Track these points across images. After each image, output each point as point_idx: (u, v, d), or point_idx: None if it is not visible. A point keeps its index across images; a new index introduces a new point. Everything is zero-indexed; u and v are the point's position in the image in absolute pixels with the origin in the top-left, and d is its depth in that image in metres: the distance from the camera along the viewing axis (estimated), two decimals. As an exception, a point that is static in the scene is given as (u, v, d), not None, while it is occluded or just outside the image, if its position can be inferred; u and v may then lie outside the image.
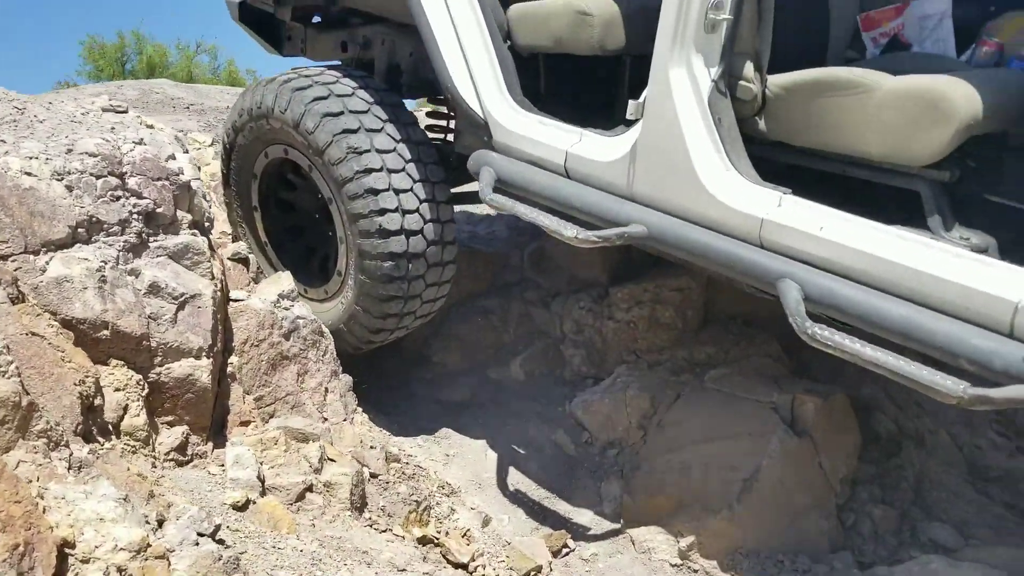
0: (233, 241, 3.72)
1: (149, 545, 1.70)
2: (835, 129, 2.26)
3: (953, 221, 2.18)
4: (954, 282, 1.97)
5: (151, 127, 3.03)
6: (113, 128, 2.83)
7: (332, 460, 2.77)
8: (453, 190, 3.40)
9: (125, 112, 3.06)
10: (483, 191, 2.83)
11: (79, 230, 2.47)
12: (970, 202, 2.32)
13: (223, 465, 2.55)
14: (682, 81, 2.37)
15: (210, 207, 3.25)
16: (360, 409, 3.26)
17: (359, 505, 2.71)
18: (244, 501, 2.36)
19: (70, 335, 2.22)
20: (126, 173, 2.67)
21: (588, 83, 3.23)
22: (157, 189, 2.73)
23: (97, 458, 1.99)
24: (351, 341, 3.46)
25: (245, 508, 2.36)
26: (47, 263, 2.34)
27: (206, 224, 3.08)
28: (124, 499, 1.78)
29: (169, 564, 1.73)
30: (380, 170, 3.13)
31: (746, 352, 3.52)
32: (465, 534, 2.85)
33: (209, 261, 2.82)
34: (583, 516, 3.06)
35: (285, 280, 3.23)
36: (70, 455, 1.88)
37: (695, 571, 2.74)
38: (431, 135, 3.52)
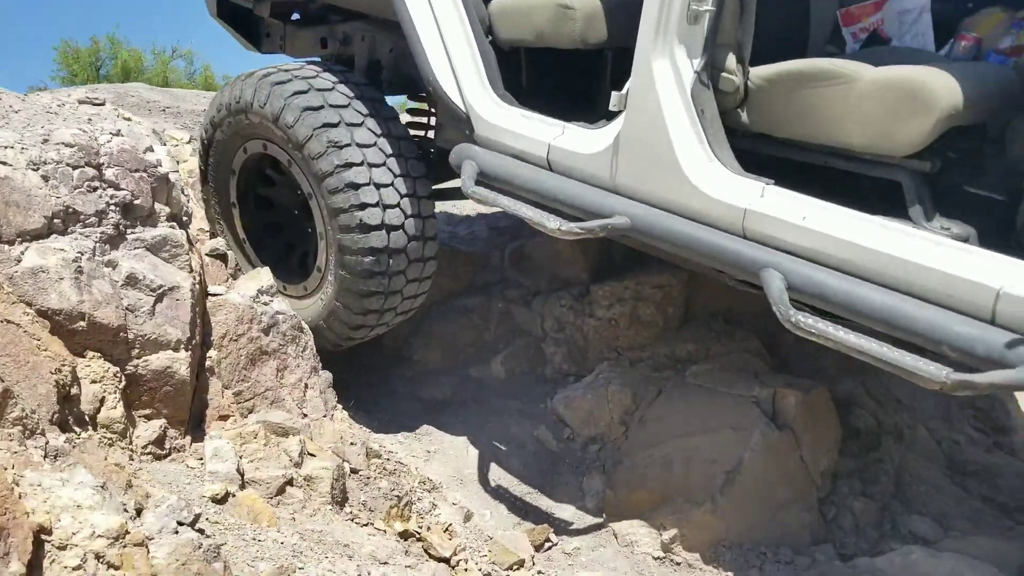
0: (211, 238, 3.68)
1: (127, 532, 1.66)
2: (817, 120, 2.28)
3: (934, 211, 2.20)
4: (936, 270, 1.98)
5: (128, 119, 3.00)
6: (90, 119, 2.79)
7: (312, 455, 2.74)
8: (434, 187, 3.39)
9: (102, 104, 3.03)
10: (465, 184, 2.82)
11: (55, 220, 2.43)
12: (950, 193, 2.34)
13: (202, 458, 2.51)
14: (665, 72, 2.38)
15: (188, 201, 3.22)
16: (340, 406, 3.23)
17: (340, 500, 2.68)
18: (224, 494, 2.33)
19: (46, 324, 2.18)
20: (103, 164, 2.63)
21: (569, 78, 3.23)
22: (135, 181, 2.70)
23: (74, 447, 1.95)
24: (331, 338, 3.43)
25: (224, 501, 2.33)
26: (22, 253, 2.30)
27: (184, 219, 3.04)
28: (102, 487, 1.74)
29: (148, 552, 1.69)
30: (361, 164, 3.11)
31: (727, 349, 3.53)
32: (447, 529, 2.83)
33: (188, 254, 2.79)
34: (565, 511, 3.04)
35: (264, 276, 3.19)
36: (46, 443, 1.84)
37: (677, 564, 2.74)
38: (412, 132, 3.50)
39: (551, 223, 2.55)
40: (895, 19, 2.61)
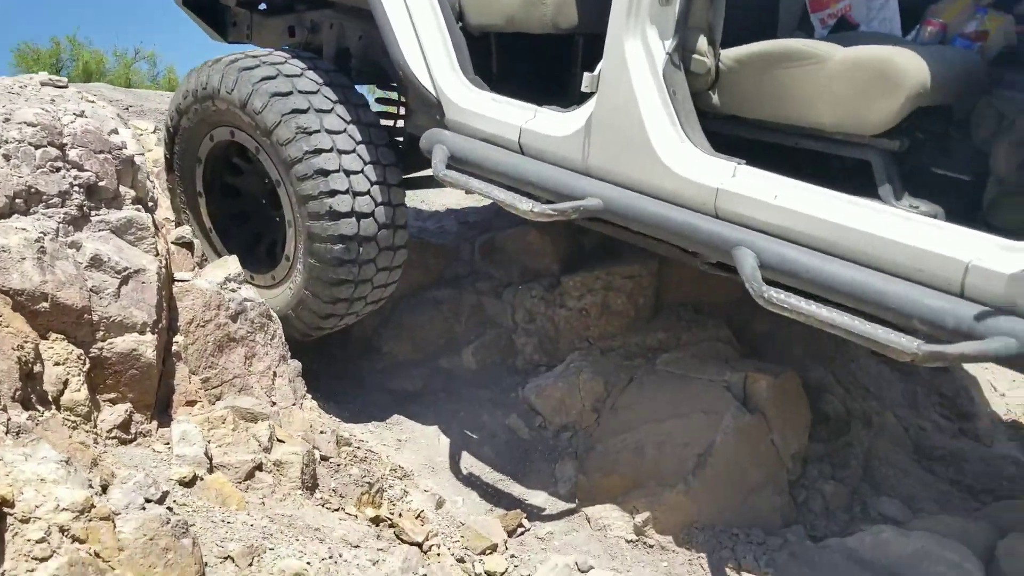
0: (176, 227, 3.63)
1: (93, 506, 1.63)
2: (788, 100, 2.30)
3: (903, 190, 2.22)
4: (906, 245, 2.01)
5: (92, 102, 2.94)
6: (53, 100, 2.73)
7: (281, 441, 2.71)
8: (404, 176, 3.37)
9: (65, 87, 2.97)
10: (436, 167, 2.80)
11: (16, 200, 2.38)
12: (918, 174, 2.37)
13: (168, 443, 2.47)
14: (637, 53, 2.38)
15: (154, 188, 3.17)
16: (309, 396, 3.19)
17: (310, 485, 2.64)
18: (191, 477, 2.29)
19: (8, 301, 2.13)
20: (66, 144, 2.58)
21: (540, 65, 3.23)
22: (99, 162, 2.64)
23: (37, 424, 1.91)
24: (300, 328, 3.39)
25: (192, 484, 2.28)
26: (-18, 232, 2.25)
27: (150, 204, 2.99)
28: (66, 462, 1.70)
29: (114, 526, 1.66)
30: (330, 151, 3.08)
31: (697, 337, 3.54)
32: (419, 515, 2.81)
33: (153, 237, 2.74)
34: (538, 497, 3.03)
35: (232, 264, 3.15)
36: (8, 420, 1.80)
37: (650, 546, 2.74)
38: (382, 122, 3.48)
39: (523, 205, 2.54)
40: (863, 5, 2.64)
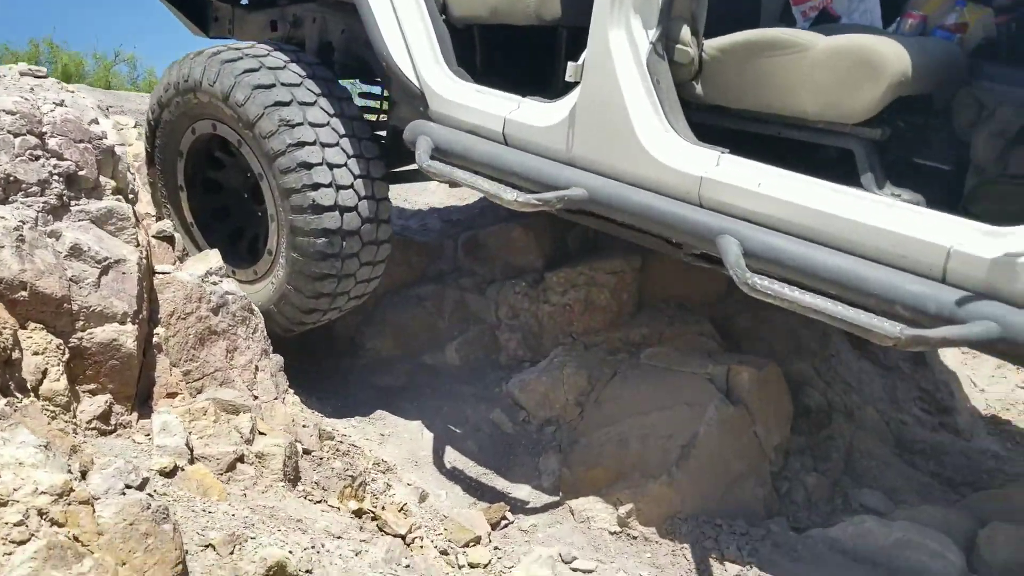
0: (157, 222, 3.60)
1: (72, 490, 1.60)
2: (771, 89, 2.31)
3: (885, 179, 2.24)
4: (888, 231, 2.02)
5: (71, 92, 2.91)
6: (32, 89, 2.70)
7: (263, 434, 2.69)
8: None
9: (44, 77, 2.94)
10: (420, 158, 2.79)
11: (-5, 188, 2.35)
12: (900, 164, 2.39)
13: (149, 435, 2.44)
14: (621, 43, 2.39)
15: (134, 180, 3.14)
16: (292, 391, 3.17)
17: (292, 477, 2.62)
18: (172, 467, 2.26)
19: (-15, 285, 2.10)
20: (46, 133, 2.55)
21: (523, 58, 3.23)
22: (79, 151, 2.62)
23: (15, 411, 1.88)
24: (282, 323, 3.37)
25: (173, 475, 2.26)
26: (-40, 220, 2.22)
27: (131, 196, 2.97)
28: (45, 446, 1.68)
29: (94, 510, 1.63)
30: (313, 144, 3.07)
31: (680, 332, 3.55)
32: (402, 508, 2.79)
33: (134, 228, 2.71)
34: (521, 490, 3.03)
35: (213, 257, 3.12)
36: (-14, 405, 1.77)
37: (634, 538, 2.73)
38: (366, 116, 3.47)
39: (507, 195, 2.54)
40: (844, -3, 2.67)
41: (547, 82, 3.00)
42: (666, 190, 2.35)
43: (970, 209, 2.24)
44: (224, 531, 2.03)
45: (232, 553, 2.00)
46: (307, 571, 2.09)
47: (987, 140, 2.28)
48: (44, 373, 2.26)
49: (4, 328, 2.02)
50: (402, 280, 4.12)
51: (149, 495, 1.82)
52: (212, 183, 3.58)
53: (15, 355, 2.05)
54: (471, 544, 2.69)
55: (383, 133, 3.50)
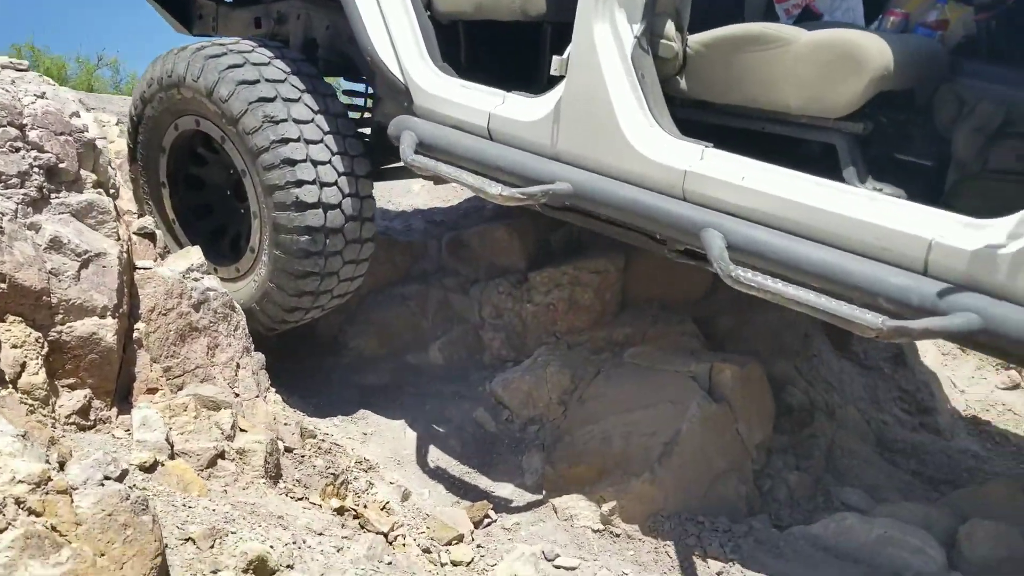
0: (139, 218, 3.57)
1: (50, 479, 1.58)
2: (754, 84, 2.32)
3: (867, 173, 2.25)
4: (870, 224, 2.03)
5: (53, 85, 2.89)
6: (13, 82, 2.68)
7: (244, 431, 2.67)
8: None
9: (26, 70, 2.91)
10: (405, 153, 2.79)
11: (-27, 179, 2.33)
12: (881, 160, 2.40)
13: (128, 430, 2.42)
14: (606, 37, 2.39)
15: (116, 175, 3.11)
16: (273, 389, 3.15)
17: (274, 475, 2.60)
18: (152, 462, 2.24)
19: (-38, 276, 2.07)
20: (26, 125, 2.53)
21: (507, 55, 3.23)
22: (60, 144, 2.59)
23: (-8, 401, 1.85)
24: (264, 321, 3.35)
25: (153, 470, 2.24)
26: (-62, 210, 2.19)
27: (112, 191, 2.94)
28: (23, 436, 1.66)
29: (72, 500, 1.61)
30: (297, 140, 3.05)
31: (663, 332, 3.55)
32: (384, 507, 2.77)
33: (115, 222, 2.69)
34: (504, 489, 3.01)
35: (195, 254, 3.10)
36: (-38, 394, 1.74)
37: (617, 535, 2.73)
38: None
39: (492, 189, 2.54)
40: (826, -5, 2.69)
41: (532, 78, 3.00)
42: (650, 184, 2.36)
43: (952, 204, 2.25)
44: (204, 525, 2.02)
45: (212, 547, 1.98)
46: (288, 566, 2.06)
47: (968, 136, 2.30)
48: (23, 366, 2.23)
49: (-19, 318, 1.99)
50: (386, 279, 4.10)
51: (129, 488, 1.80)
52: (195, 180, 3.55)
53: (-8, 346, 2.02)
54: (454, 542, 2.68)
55: (367, 131, 3.49)
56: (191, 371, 2.84)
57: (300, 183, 3.04)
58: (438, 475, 3.09)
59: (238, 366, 3.02)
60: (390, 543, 2.61)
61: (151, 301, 2.77)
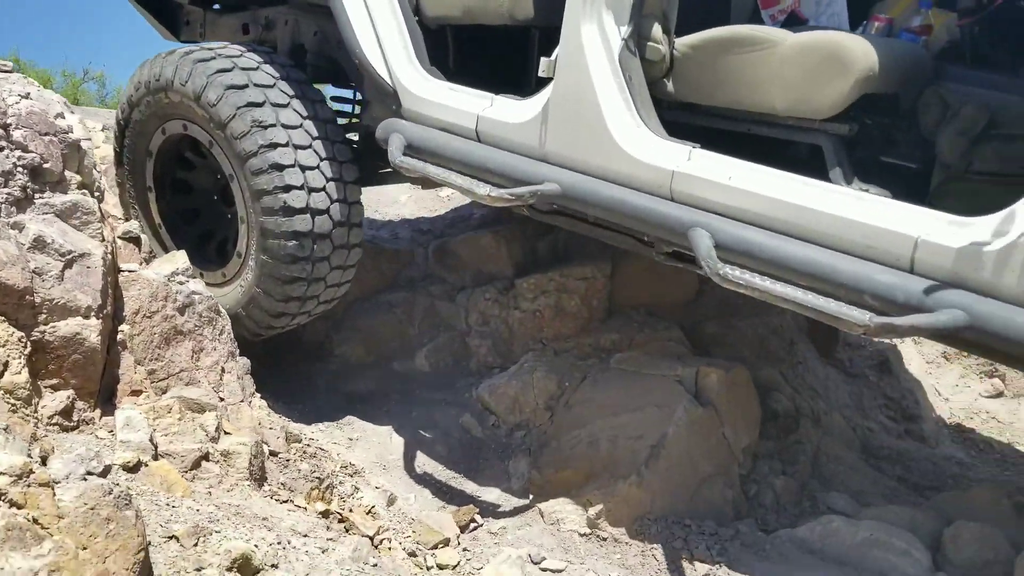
0: (124, 223, 3.55)
1: (32, 472, 1.56)
2: (741, 86, 2.34)
3: (853, 175, 2.27)
4: (857, 222, 2.05)
5: (38, 86, 2.87)
6: (-2, 82, 2.67)
7: (229, 433, 2.65)
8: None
9: (10, 71, 2.90)
10: (393, 154, 2.79)
11: (-43, 178, 2.31)
12: (867, 162, 2.42)
13: (112, 431, 2.39)
14: (593, 39, 2.41)
15: (101, 179, 3.10)
16: (259, 395, 3.13)
17: (258, 477, 2.58)
18: (135, 462, 2.22)
19: (-56, 272, 2.05)
20: (10, 125, 2.51)
21: (495, 61, 3.24)
22: (44, 144, 2.58)
23: (-26, 396, 1.83)
24: (250, 326, 3.33)
25: (136, 470, 2.22)
26: (-80, 209, 2.17)
27: (96, 194, 2.92)
28: (4, 429, 1.64)
29: (54, 494, 1.59)
30: (286, 145, 3.05)
31: (650, 338, 3.55)
32: (370, 511, 2.76)
33: (100, 223, 2.67)
34: (491, 493, 3.00)
35: (180, 258, 3.08)
36: (-57, 388, 1.72)
37: (603, 539, 2.71)
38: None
39: (481, 190, 2.54)
40: (811, 1, 2.71)
41: (519, 83, 3.01)
42: (638, 184, 2.37)
43: (936, 206, 2.26)
44: (188, 524, 2.00)
45: (196, 545, 1.96)
46: (273, 565, 2.04)
47: (952, 138, 2.32)
48: (5, 365, 2.21)
49: (-36, 313, 1.97)
50: (372, 287, 4.10)
51: (113, 484, 1.78)
52: (181, 184, 3.54)
53: (-25, 342, 2.00)
54: (440, 546, 2.66)
55: (355, 136, 3.49)
56: (176, 374, 2.82)
57: (288, 188, 3.03)
58: (424, 480, 3.07)
59: (223, 370, 3.00)
60: (375, 547, 2.59)
61: (135, 303, 2.75)
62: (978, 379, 4.14)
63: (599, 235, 2.73)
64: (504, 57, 3.20)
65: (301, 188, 3.06)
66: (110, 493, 1.69)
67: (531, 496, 2.95)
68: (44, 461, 1.75)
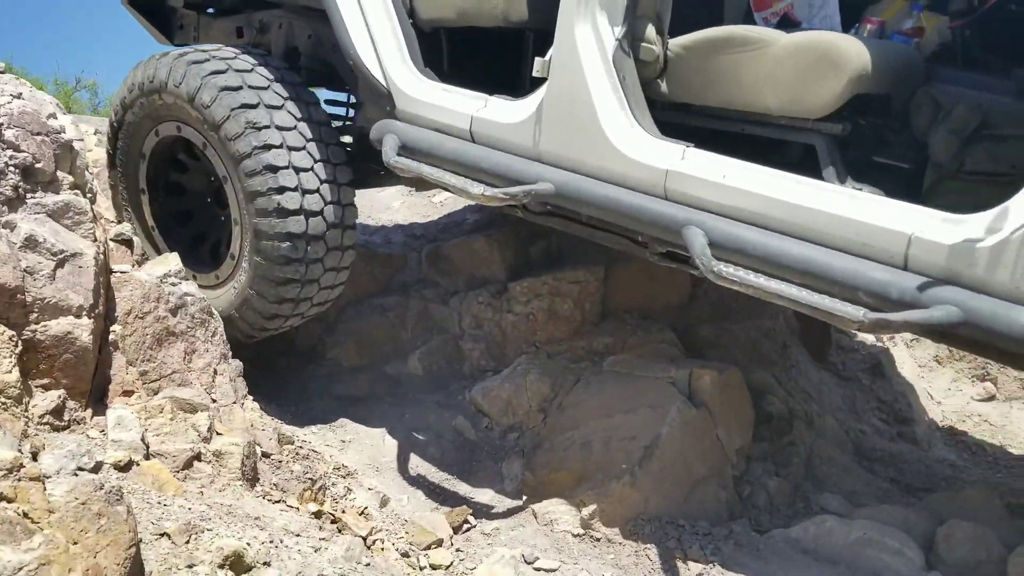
0: (117, 225, 3.54)
1: (23, 466, 1.55)
2: (734, 85, 2.35)
3: (846, 174, 2.28)
4: (851, 219, 2.05)
5: (30, 86, 2.87)
6: (-11, 81, 2.66)
7: (221, 434, 2.63)
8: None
9: (2, 72, 2.89)
10: (387, 155, 2.79)
11: (-51, 177, 2.30)
12: (860, 163, 2.43)
13: (103, 431, 2.38)
14: (587, 39, 2.42)
15: (93, 180, 3.09)
16: (251, 397, 3.11)
17: (251, 478, 2.57)
18: (127, 461, 2.20)
19: (-65, 269, 2.04)
20: (2, 124, 2.50)
21: (489, 64, 3.25)
22: (36, 144, 2.57)
23: (-36, 392, 1.82)
24: (244, 328, 3.32)
25: (128, 469, 2.20)
26: (-89, 208, 2.16)
27: (88, 195, 2.92)
28: (-5, 424, 1.63)
29: (45, 488, 1.58)
30: (280, 147, 3.04)
31: (643, 341, 3.55)
32: (362, 512, 2.74)
33: (92, 223, 2.66)
34: (484, 495, 2.99)
35: (172, 260, 3.07)
36: (-66, 384, 1.71)
37: (597, 539, 2.71)
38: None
39: (475, 189, 2.54)
40: (804, 3, 2.73)
41: (513, 85, 3.01)
42: (632, 184, 2.37)
43: (929, 205, 2.28)
44: (180, 522, 1.98)
45: (188, 542, 1.94)
46: (265, 563, 2.03)
47: (944, 139, 2.33)
48: (-5, 364, 2.20)
49: (-45, 309, 1.96)
50: (365, 290, 4.09)
51: (104, 479, 1.77)
52: (175, 186, 3.53)
53: (-35, 339, 1.99)
54: (433, 546, 2.65)
55: (349, 139, 3.49)
56: (168, 375, 2.80)
57: (282, 189, 3.03)
58: (417, 482, 3.06)
59: (215, 372, 2.99)
60: (368, 547, 2.58)
61: (128, 304, 2.74)
62: (970, 383, 4.16)
63: (593, 235, 2.73)
64: (497, 59, 3.20)
65: (295, 190, 3.05)
66: (101, 488, 1.68)
67: (524, 497, 2.95)
68: (35, 457, 1.74)
